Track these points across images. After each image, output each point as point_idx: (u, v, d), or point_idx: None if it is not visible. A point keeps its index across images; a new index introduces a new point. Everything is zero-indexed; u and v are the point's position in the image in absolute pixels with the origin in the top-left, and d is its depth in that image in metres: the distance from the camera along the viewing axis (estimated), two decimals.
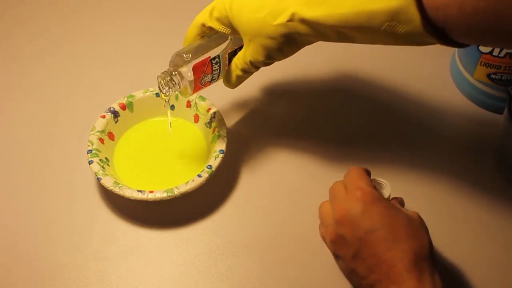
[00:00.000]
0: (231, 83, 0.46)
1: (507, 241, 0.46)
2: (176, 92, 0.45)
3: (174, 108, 0.53)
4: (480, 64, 0.54)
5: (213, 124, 0.51)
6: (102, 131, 0.50)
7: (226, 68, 0.46)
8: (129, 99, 0.52)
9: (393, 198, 0.43)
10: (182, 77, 0.44)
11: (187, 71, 0.43)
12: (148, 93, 0.52)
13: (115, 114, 0.51)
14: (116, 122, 0.51)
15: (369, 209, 0.38)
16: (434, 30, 0.35)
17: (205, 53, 0.44)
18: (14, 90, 0.59)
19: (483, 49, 0.53)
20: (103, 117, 0.51)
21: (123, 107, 0.52)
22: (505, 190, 0.50)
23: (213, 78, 0.46)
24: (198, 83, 0.45)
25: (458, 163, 0.52)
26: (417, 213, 0.40)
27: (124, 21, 0.67)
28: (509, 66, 0.53)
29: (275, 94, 0.58)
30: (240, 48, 0.45)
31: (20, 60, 0.62)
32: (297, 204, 0.49)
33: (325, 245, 0.46)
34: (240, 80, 0.46)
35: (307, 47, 0.43)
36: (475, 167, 0.52)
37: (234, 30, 0.43)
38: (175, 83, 0.44)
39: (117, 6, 0.69)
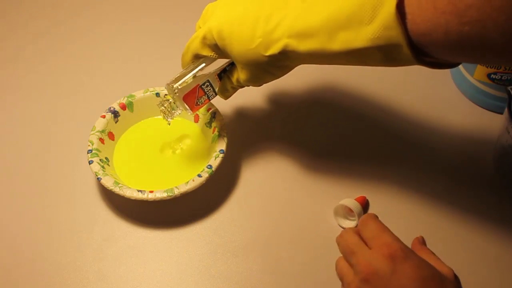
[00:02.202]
0: (225, 96, 0.47)
1: (507, 241, 0.46)
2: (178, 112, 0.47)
3: None
4: (480, 64, 0.54)
5: (213, 124, 0.51)
6: (102, 131, 0.50)
7: (219, 84, 0.47)
8: (129, 99, 0.52)
9: (415, 239, 0.39)
10: (176, 106, 0.46)
11: (179, 101, 0.45)
12: (148, 93, 0.52)
13: (115, 114, 0.51)
14: (116, 122, 0.51)
15: (398, 270, 0.35)
16: (426, 60, 0.35)
17: (193, 79, 0.45)
18: (15, 90, 0.59)
19: None
20: (103, 117, 0.50)
21: (123, 107, 0.52)
22: (505, 190, 0.50)
23: (210, 96, 0.47)
24: (194, 106, 0.46)
25: (458, 163, 0.52)
26: (451, 271, 0.37)
27: (124, 21, 0.67)
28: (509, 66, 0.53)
29: (277, 95, 0.58)
30: (229, 64, 0.46)
31: (20, 61, 0.62)
32: (297, 204, 0.49)
33: (325, 245, 0.46)
34: (234, 92, 0.47)
35: None
36: (474, 167, 0.52)
37: (227, 55, 0.43)
38: (173, 111, 0.46)
39: (117, 7, 0.69)
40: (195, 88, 0.45)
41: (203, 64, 0.45)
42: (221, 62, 0.46)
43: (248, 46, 0.40)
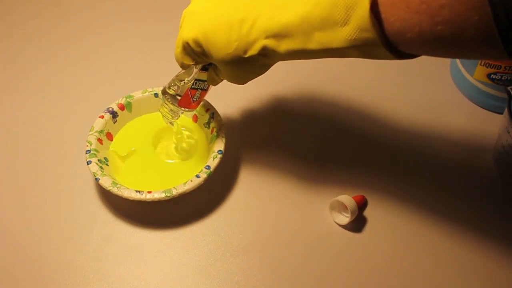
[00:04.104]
0: (214, 85, 0.47)
1: (508, 240, 0.46)
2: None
3: None
4: (480, 64, 0.54)
5: (212, 125, 0.51)
6: (101, 131, 0.50)
7: (206, 74, 0.47)
8: (128, 100, 0.52)
9: None
10: (175, 111, 0.48)
11: (175, 108, 0.47)
12: (147, 93, 0.52)
13: (114, 115, 0.51)
14: (114, 123, 0.51)
15: None
16: (405, 53, 0.35)
17: (183, 85, 0.46)
18: (14, 91, 0.59)
19: None
20: (102, 117, 0.51)
21: (122, 108, 0.52)
22: (505, 190, 0.50)
23: (203, 89, 0.47)
24: (192, 104, 0.47)
25: (458, 163, 0.52)
26: None
27: (123, 22, 0.67)
28: (509, 66, 0.52)
29: (276, 95, 0.58)
30: None
31: (19, 61, 0.63)
32: (296, 204, 0.49)
33: (324, 246, 0.46)
34: (222, 81, 0.47)
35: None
36: (474, 167, 0.52)
37: (209, 60, 0.43)
38: (174, 115, 0.48)
39: (116, 8, 0.69)
40: (186, 92, 0.46)
41: (193, 71, 0.46)
42: None
43: (226, 51, 0.40)
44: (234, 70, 0.42)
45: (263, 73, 0.43)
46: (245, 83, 0.44)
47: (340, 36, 0.35)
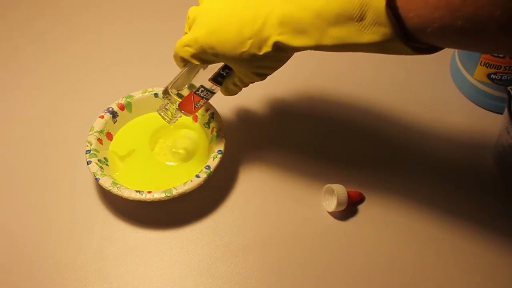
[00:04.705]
0: (231, 95, 0.47)
1: (508, 241, 0.46)
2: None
3: None
4: (480, 64, 0.54)
5: (212, 125, 0.51)
6: (101, 131, 0.50)
7: (216, 87, 0.46)
8: (128, 100, 0.52)
9: None
10: (174, 113, 0.47)
11: (176, 109, 0.46)
12: (147, 93, 0.52)
13: (114, 115, 0.51)
14: (114, 123, 0.51)
15: None
16: (422, 48, 0.35)
17: (186, 87, 0.45)
18: (14, 91, 0.59)
19: None
20: (102, 117, 0.51)
21: (122, 108, 0.52)
22: (505, 190, 0.50)
23: (207, 98, 0.47)
24: (193, 109, 0.47)
25: (458, 163, 0.52)
26: None
27: (123, 22, 0.67)
28: (509, 66, 0.52)
29: (276, 95, 0.58)
30: (223, 68, 0.45)
31: (19, 61, 0.62)
32: (296, 204, 0.49)
33: (324, 246, 0.46)
34: (240, 90, 0.47)
35: (313, 58, 0.42)
36: (474, 167, 0.52)
37: (220, 61, 0.43)
38: (174, 117, 0.47)
39: (116, 8, 0.69)
40: (189, 95, 0.45)
41: (198, 70, 0.45)
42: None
43: (241, 49, 0.39)
44: (251, 69, 0.41)
45: (280, 67, 0.42)
46: (264, 79, 0.44)
47: (356, 31, 0.35)
